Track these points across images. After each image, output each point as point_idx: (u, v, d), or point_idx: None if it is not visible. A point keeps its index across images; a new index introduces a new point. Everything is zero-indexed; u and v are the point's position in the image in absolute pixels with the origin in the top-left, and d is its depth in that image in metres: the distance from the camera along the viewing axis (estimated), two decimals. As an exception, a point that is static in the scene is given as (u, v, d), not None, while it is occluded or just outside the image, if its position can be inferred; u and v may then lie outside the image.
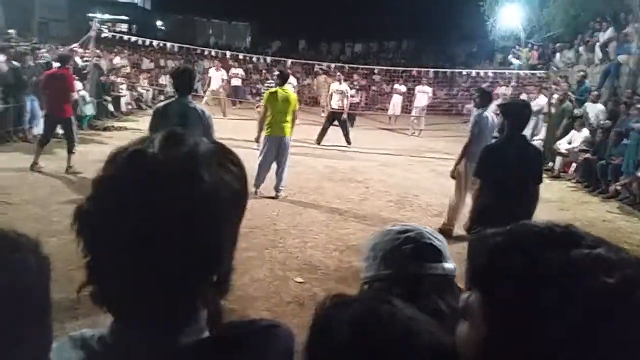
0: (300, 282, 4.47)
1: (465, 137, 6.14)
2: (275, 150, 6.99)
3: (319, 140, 11.81)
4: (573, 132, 10.49)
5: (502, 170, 3.77)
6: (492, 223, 2.22)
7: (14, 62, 9.51)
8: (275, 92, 7.01)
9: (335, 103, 12.17)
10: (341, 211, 6.72)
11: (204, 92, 15.88)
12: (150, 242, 0.66)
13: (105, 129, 11.61)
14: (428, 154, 11.31)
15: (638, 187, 8.33)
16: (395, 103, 16.32)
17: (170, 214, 0.67)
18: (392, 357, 0.65)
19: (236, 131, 11.17)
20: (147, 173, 0.68)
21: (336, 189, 7.90)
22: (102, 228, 0.67)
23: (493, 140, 5.49)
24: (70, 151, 7.57)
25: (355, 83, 16.09)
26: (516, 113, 4.00)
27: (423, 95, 14.61)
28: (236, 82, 17.21)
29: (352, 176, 8.88)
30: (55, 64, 8.17)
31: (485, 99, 6.27)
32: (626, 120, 9.59)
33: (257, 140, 7.13)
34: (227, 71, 16.50)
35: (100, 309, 0.71)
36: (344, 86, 12.64)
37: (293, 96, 7.13)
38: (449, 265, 1.12)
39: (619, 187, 8.63)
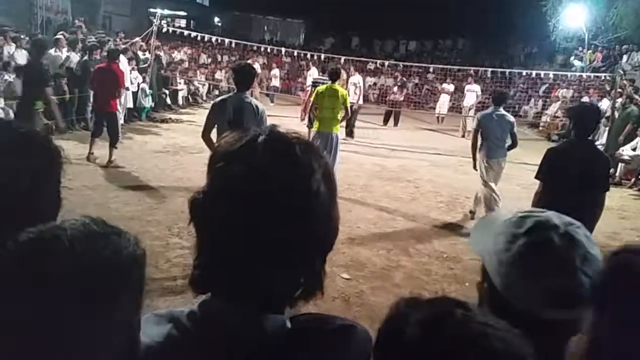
0: (347, 279, 4.46)
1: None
2: (323, 146, 7.05)
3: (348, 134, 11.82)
4: (638, 138, 9.96)
5: (564, 174, 3.67)
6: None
7: (81, 55, 9.98)
8: (325, 88, 7.08)
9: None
10: (390, 210, 6.67)
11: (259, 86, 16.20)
12: (283, 224, 0.71)
13: (163, 121, 12.00)
14: (481, 156, 11.02)
15: None
16: (442, 102, 15.99)
17: (287, 203, 0.71)
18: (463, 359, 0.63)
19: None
20: (292, 165, 0.73)
21: (385, 187, 7.84)
22: (223, 216, 0.71)
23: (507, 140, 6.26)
24: (112, 145, 7.52)
25: (398, 80, 15.89)
26: (583, 117, 3.88)
27: (471, 95, 14.23)
28: (275, 82, 17.82)
29: (401, 175, 8.78)
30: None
31: (497, 99, 6.46)
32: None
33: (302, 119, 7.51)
34: (280, 69, 16.81)
35: (200, 293, 0.76)
36: (357, 78, 12.51)
37: (343, 92, 7.15)
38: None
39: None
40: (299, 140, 0.77)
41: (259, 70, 15.79)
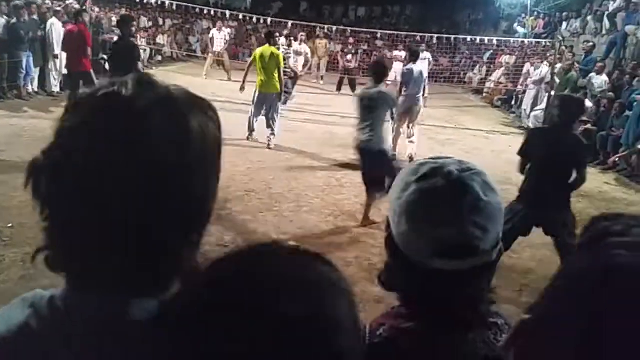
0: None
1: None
2: (264, 105, 7.71)
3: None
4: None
5: (541, 153, 3.92)
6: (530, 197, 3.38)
7: (7, 17, 9.29)
8: (262, 51, 7.61)
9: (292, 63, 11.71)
10: (337, 177, 6.69)
11: (204, 52, 15.53)
12: (131, 198, 0.59)
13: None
14: (428, 122, 11.16)
15: (637, 160, 8.29)
16: (397, 70, 16.04)
17: (156, 164, 0.59)
18: None
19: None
20: (125, 118, 0.59)
21: (334, 154, 7.85)
22: (72, 185, 0.59)
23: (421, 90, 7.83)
24: None
25: (351, 47, 15.76)
26: (569, 108, 4.06)
27: (423, 62, 14.33)
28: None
29: (350, 142, 8.78)
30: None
31: (413, 56, 8.14)
32: (629, 92, 9.48)
33: (241, 88, 8.16)
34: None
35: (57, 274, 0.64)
36: (303, 47, 12.33)
37: (278, 53, 7.72)
38: (489, 246, 0.83)
39: (617, 159, 8.59)
40: (182, 91, 0.65)
41: (217, 34, 14.95)
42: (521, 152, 4.07)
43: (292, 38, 11.55)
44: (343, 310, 0.56)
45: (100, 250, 0.60)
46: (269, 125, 7.71)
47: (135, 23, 8.04)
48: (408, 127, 7.94)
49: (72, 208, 0.59)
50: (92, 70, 8.11)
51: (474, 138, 10.24)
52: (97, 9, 12.98)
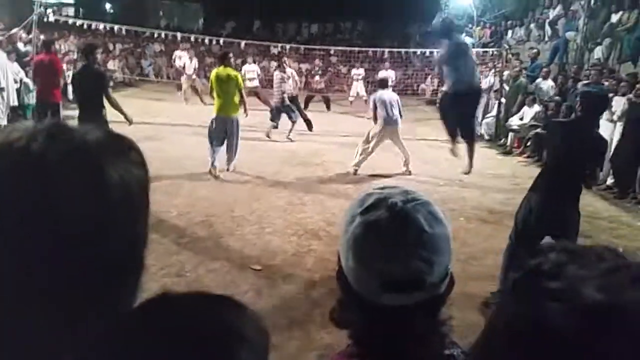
0: (258, 270, 4.41)
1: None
2: (223, 131, 7.27)
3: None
4: (525, 108, 10.73)
5: (558, 144, 3.96)
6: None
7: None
8: (217, 72, 7.22)
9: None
10: (299, 195, 6.68)
11: (156, 76, 15.33)
12: (50, 263, 0.55)
13: (52, 118, 11.12)
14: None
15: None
16: (355, 88, 16.29)
17: (73, 223, 0.55)
18: None
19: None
20: (34, 177, 0.55)
21: (295, 173, 7.84)
22: None
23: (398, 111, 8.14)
24: None
25: (317, 68, 15.93)
26: (592, 103, 4.04)
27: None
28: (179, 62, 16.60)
29: (311, 159, 8.83)
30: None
31: (382, 85, 8.67)
32: (574, 94, 9.89)
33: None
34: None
35: None
36: (289, 70, 12.27)
37: (236, 74, 7.31)
38: (435, 278, 0.82)
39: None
40: (97, 136, 0.61)
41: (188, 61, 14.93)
42: (544, 143, 4.08)
43: (285, 62, 11.22)
44: (239, 357, 0.56)
45: (18, 324, 0.56)
46: (229, 150, 7.35)
47: (100, 50, 7.78)
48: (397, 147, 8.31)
49: None
50: (60, 102, 8.10)
51: (430, 148, 10.44)
52: (42, 36, 12.61)
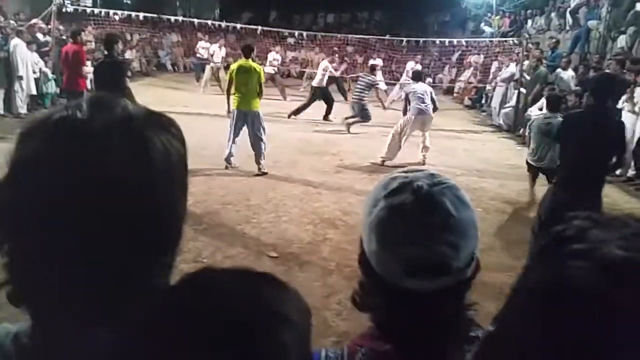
0: (275, 257, 4.43)
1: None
2: (243, 125, 6.96)
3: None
4: (544, 98, 10.55)
5: (576, 136, 3.87)
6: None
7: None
8: (239, 65, 6.96)
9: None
10: (315, 184, 6.67)
11: (173, 66, 15.40)
12: (95, 226, 0.55)
13: (71, 107, 11.24)
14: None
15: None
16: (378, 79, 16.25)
17: (119, 187, 0.56)
18: None
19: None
20: (82, 142, 0.56)
21: (310, 162, 7.83)
22: (31, 217, 0.55)
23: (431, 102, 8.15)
24: None
25: (337, 57, 15.90)
26: (598, 84, 4.01)
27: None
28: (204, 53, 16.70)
29: (325, 149, 8.81)
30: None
31: (415, 77, 8.77)
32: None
33: (228, 112, 7.24)
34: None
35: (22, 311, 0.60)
36: (325, 63, 12.46)
37: (257, 67, 7.01)
38: (463, 263, 0.79)
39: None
40: (140, 110, 0.62)
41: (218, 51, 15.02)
42: (560, 139, 4.04)
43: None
44: (282, 339, 0.53)
45: (64, 283, 0.57)
46: (254, 147, 6.89)
47: (120, 41, 7.74)
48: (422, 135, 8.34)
49: (33, 240, 0.56)
50: (85, 91, 8.22)
51: (447, 138, 10.34)
52: (61, 27, 12.71)
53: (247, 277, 0.59)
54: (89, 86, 8.85)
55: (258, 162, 6.95)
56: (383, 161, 7.88)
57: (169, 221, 0.63)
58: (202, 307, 0.53)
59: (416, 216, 0.78)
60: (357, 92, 10.58)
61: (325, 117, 11.64)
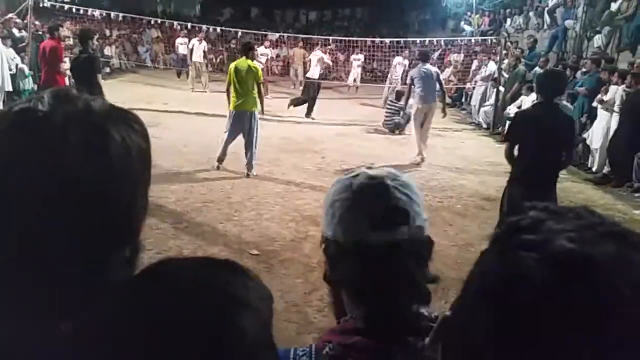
0: (256, 255, 4.44)
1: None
2: (240, 126, 6.79)
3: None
4: (522, 96, 10.72)
5: (529, 135, 3.95)
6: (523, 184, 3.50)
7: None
8: (237, 64, 6.81)
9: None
10: (297, 182, 6.69)
11: (153, 62, 15.23)
12: (50, 218, 0.56)
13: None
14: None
15: (582, 148, 8.66)
16: (356, 74, 16.34)
17: (75, 180, 0.57)
18: None
19: (212, 105, 10.86)
20: (41, 134, 0.57)
21: (292, 159, 7.84)
22: None
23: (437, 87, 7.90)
24: None
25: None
26: (547, 81, 4.13)
27: (400, 67, 14.65)
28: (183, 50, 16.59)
29: (308, 146, 8.83)
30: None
31: (422, 57, 8.32)
32: (572, 84, 9.88)
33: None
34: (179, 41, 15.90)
35: None
36: (320, 53, 12.55)
37: (255, 66, 6.86)
38: (417, 223, 0.91)
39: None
40: (101, 103, 0.63)
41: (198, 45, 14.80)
42: (508, 137, 4.10)
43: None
44: (240, 324, 0.54)
45: (18, 279, 0.57)
46: (247, 149, 6.74)
47: (95, 37, 7.67)
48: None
49: None
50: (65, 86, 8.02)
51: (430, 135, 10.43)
52: (37, 22, 12.49)
53: (207, 264, 0.60)
54: (67, 83, 8.66)
55: (248, 167, 6.77)
56: (422, 159, 7.89)
57: (126, 215, 0.63)
58: (159, 294, 0.53)
59: (374, 183, 0.92)
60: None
61: (308, 115, 11.65)
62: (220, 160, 6.89)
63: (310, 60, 12.76)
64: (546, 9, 14.49)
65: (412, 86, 7.94)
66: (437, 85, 7.88)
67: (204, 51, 14.80)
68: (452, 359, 0.55)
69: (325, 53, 13.54)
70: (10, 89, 10.09)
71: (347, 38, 17.38)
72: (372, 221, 0.88)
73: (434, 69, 8.00)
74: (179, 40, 16.28)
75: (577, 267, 0.44)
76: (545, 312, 0.44)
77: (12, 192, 0.56)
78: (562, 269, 0.44)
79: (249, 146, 6.76)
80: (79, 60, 6.57)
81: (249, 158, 6.76)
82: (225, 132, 6.82)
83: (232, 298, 0.55)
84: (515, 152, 4.14)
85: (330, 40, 17.31)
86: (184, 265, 0.59)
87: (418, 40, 15.99)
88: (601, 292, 0.43)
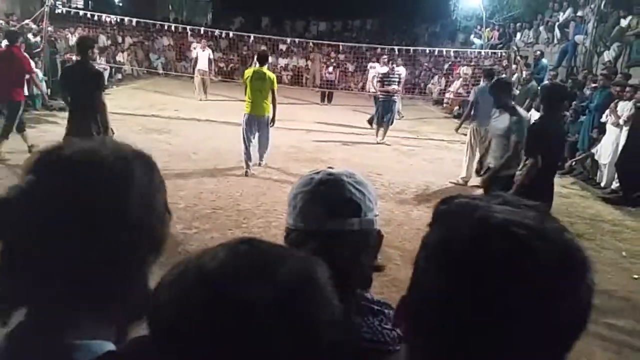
0: (264, 262, 4.46)
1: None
2: (256, 129, 7.35)
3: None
4: (532, 111, 10.73)
5: (548, 147, 4.05)
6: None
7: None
8: (253, 71, 7.27)
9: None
10: (305, 191, 6.71)
11: (164, 69, 15.27)
12: (82, 237, 0.68)
13: (61, 109, 11.17)
14: (392, 133, 11.37)
15: (591, 163, 8.64)
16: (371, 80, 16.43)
17: (105, 211, 0.70)
18: None
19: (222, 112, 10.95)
20: (73, 176, 0.70)
21: (301, 169, 7.87)
22: (29, 227, 0.67)
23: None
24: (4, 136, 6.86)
25: (332, 60, 16.07)
26: (551, 94, 4.24)
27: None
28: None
29: (316, 156, 8.88)
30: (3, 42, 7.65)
31: (487, 75, 8.09)
32: (581, 98, 9.89)
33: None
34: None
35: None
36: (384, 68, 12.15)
37: (270, 75, 7.32)
38: (368, 217, 1.03)
39: (574, 163, 8.93)
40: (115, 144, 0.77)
41: (201, 53, 14.45)
42: (536, 152, 4.10)
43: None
44: (316, 303, 0.57)
45: (46, 289, 0.67)
46: (261, 146, 7.45)
47: (95, 45, 6.87)
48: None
49: (27, 248, 0.67)
50: (22, 101, 7.21)
51: (436, 148, 10.47)
52: (50, 28, 12.67)
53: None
54: (26, 92, 7.92)
55: (261, 157, 7.50)
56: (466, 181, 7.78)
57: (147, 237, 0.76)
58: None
59: (331, 178, 1.04)
60: None
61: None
62: (247, 165, 7.26)
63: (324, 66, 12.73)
64: (557, 23, 14.53)
65: (472, 106, 7.90)
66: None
67: (208, 59, 14.45)
68: (413, 333, 0.62)
69: (334, 63, 13.66)
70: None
71: (358, 45, 17.49)
72: (329, 211, 1.00)
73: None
74: (194, 45, 16.44)
75: (497, 228, 0.55)
76: (475, 270, 0.54)
77: (49, 222, 0.68)
78: (486, 230, 0.55)
79: (261, 146, 7.42)
80: (76, 71, 5.73)
81: (261, 154, 7.48)
82: (242, 136, 7.28)
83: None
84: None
85: (340, 49, 17.46)
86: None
87: (427, 50, 16.07)
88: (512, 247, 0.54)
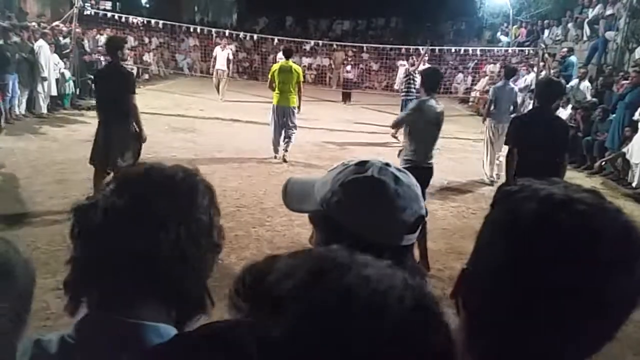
0: (288, 260, 4.47)
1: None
2: (281, 118, 7.89)
3: None
4: (560, 109, 10.51)
5: (528, 139, 3.98)
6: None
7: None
8: (280, 65, 7.85)
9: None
10: (329, 189, 6.71)
11: (190, 70, 15.48)
12: (147, 241, 0.78)
13: (89, 108, 11.41)
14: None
15: (622, 163, 8.42)
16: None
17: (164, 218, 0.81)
18: None
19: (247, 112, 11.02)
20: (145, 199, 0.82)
21: (324, 166, 7.86)
22: (103, 230, 0.78)
23: (511, 108, 7.65)
24: None
25: (350, 59, 16.00)
26: (544, 88, 4.29)
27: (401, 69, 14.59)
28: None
29: (339, 154, 8.86)
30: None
31: (507, 73, 8.06)
32: (612, 96, 9.64)
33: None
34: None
35: (75, 301, 0.79)
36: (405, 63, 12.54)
37: (296, 68, 7.91)
38: (409, 237, 0.96)
39: (604, 163, 8.71)
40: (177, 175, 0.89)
41: (220, 53, 14.21)
42: (510, 142, 4.09)
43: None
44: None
45: (117, 279, 0.77)
46: (285, 139, 7.92)
47: (125, 46, 6.56)
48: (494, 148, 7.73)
49: (100, 247, 0.78)
50: None
51: (462, 147, 10.33)
52: (79, 29, 12.94)
53: None
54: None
55: (285, 150, 7.90)
56: (492, 182, 7.59)
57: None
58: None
59: (400, 187, 0.96)
60: None
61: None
62: (276, 150, 7.92)
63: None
64: (586, 20, 14.20)
65: (491, 103, 7.80)
66: (512, 106, 7.71)
67: (227, 59, 14.21)
68: (473, 303, 0.65)
69: (352, 62, 13.59)
70: (55, 93, 10.50)
71: (382, 45, 17.39)
72: (409, 228, 0.94)
73: (514, 89, 7.90)
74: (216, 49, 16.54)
75: (563, 204, 0.59)
76: (541, 235, 0.58)
77: (123, 227, 0.80)
78: (553, 206, 0.59)
79: (289, 136, 7.89)
80: (108, 72, 5.65)
81: (286, 145, 7.91)
82: (270, 125, 7.91)
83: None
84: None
85: (365, 48, 17.40)
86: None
87: (453, 49, 15.89)
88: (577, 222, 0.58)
